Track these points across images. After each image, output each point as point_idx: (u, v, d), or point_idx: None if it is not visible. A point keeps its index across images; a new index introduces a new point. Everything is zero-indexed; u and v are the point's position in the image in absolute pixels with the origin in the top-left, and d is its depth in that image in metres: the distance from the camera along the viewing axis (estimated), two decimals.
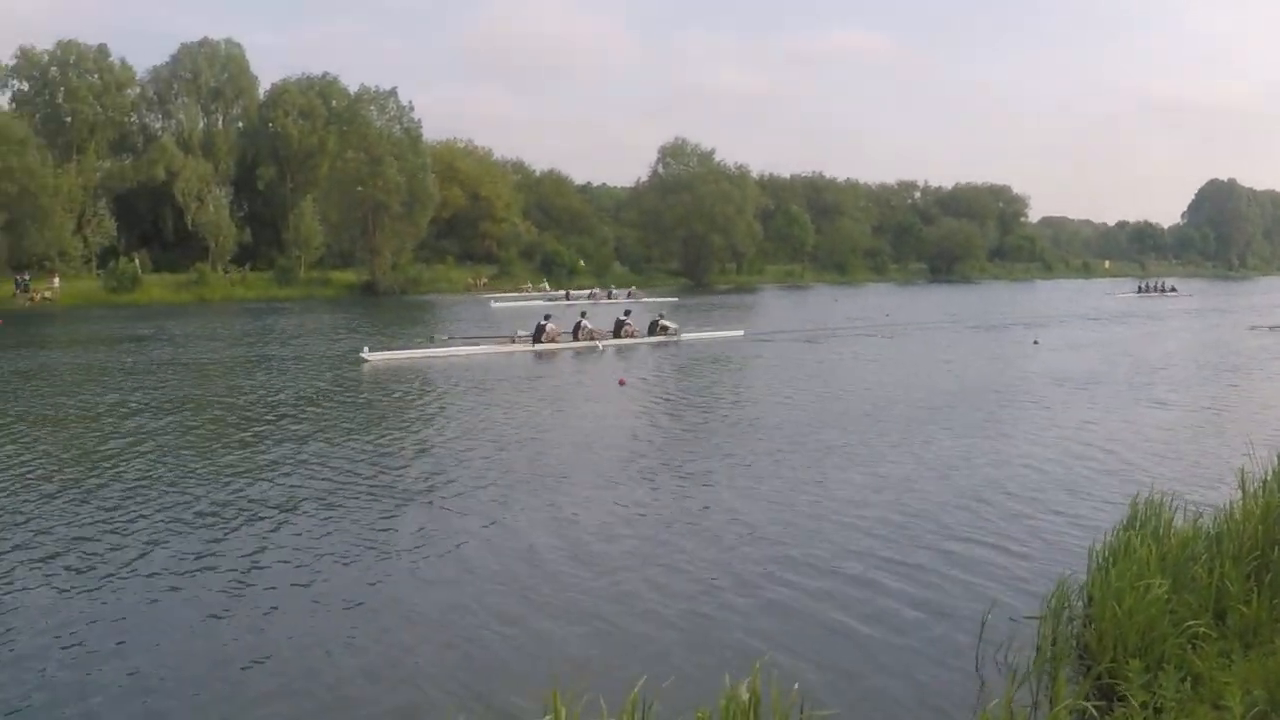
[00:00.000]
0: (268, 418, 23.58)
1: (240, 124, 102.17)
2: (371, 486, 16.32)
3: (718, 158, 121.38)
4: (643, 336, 41.95)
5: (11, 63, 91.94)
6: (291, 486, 16.47)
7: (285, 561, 12.41)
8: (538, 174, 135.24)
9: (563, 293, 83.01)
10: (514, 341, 38.21)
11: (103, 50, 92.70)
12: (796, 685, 7.78)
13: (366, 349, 34.77)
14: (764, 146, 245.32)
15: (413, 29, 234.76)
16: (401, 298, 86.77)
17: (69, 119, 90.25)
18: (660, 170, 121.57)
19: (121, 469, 17.80)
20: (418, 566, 12.19)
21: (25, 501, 15.51)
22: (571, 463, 18.28)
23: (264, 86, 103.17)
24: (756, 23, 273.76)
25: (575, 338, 39.36)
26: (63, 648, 9.64)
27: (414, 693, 8.67)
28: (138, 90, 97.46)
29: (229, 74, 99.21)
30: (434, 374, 31.46)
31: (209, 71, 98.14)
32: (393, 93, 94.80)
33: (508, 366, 33.70)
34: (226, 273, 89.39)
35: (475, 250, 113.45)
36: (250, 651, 9.56)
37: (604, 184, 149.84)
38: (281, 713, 8.39)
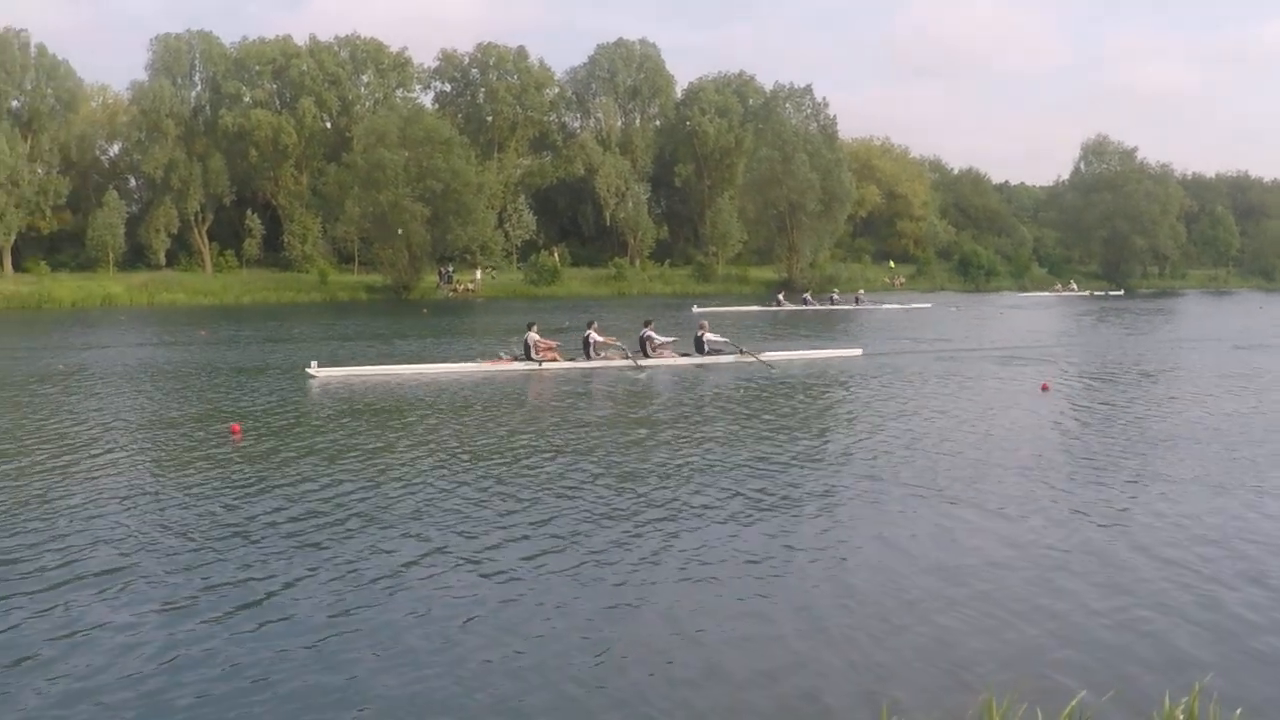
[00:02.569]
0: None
1: (657, 122, 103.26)
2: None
3: (1139, 157, 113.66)
4: (673, 354, 30.02)
5: (434, 65, 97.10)
6: (707, 488, 13.99)
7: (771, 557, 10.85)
8: (955, 172, 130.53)
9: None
10: (501, 360, 28.42)
11: (521, 52, 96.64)
12: (1239, 711, 6.87)
13: (314, 363, 27.19)
14: (1184, 145, 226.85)
15: (830, 27, 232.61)
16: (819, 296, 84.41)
17: (490, 118, 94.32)
18: (1081, 168, 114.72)
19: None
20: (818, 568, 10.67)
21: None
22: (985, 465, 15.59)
23: (680, 85, 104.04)
24: (1192, 20, 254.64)
25: (587, 354, 29.00)
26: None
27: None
28: (556, 90, 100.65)
29: (645, 73, 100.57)
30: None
31: (625, 71, 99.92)
32: (808, 90, 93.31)
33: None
34: (644, 268, 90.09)
35: (892, 249, 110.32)
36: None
37: (1022, 183, 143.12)
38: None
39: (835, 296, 67.12)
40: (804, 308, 63.36)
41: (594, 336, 28.93)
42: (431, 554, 10.96)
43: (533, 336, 28.25)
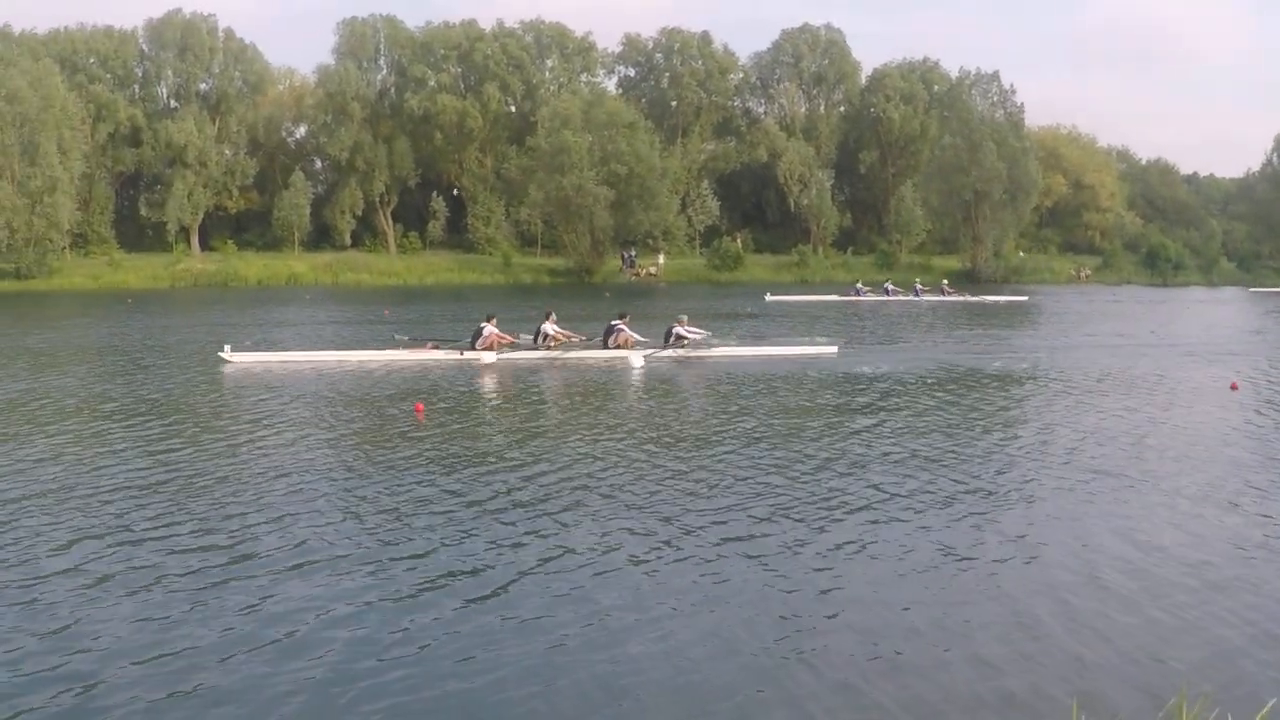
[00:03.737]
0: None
1: (842, 108, 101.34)
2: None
3: None
4: (648, 346, 27.40)
5: (618, 49, 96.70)
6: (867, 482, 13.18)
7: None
8: (1143, 162, 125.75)
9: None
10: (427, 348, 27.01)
11: (706, 37, 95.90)
12: None
13: (228, 347, 25.95)
14: None
15: (1019, 15, 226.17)
16: (1002, 287, 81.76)
17: (674, 103, 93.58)
18: (1275, 161, 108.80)
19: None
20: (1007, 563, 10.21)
21: None
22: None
23: (865, 71, 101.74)
24: None
25: (536, 344, 27.09)
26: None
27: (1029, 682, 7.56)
28: (740, 75, 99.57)
29: (830, 59, 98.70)
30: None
31: (810, 56, 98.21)
32: (995, 77, 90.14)
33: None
34: (827, 256, 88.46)
35: (1078, 240, 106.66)
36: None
37: (1211, 174, 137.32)
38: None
39: (919, 287, 62.94)
40: (886, 298, 59.76)
41: (548, 328, 27.25)
42: (636, 537, 10.74)
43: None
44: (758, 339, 32.01)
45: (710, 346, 27.74)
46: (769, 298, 56.13)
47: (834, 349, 28.36)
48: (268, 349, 27.95)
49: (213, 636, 8.06)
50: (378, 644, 7.97)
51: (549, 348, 27.01)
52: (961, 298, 60.10)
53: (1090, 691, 7.33)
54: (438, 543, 10.45)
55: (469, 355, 26.24)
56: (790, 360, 26.79)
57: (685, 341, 27.51)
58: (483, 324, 26.93)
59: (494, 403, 20.39)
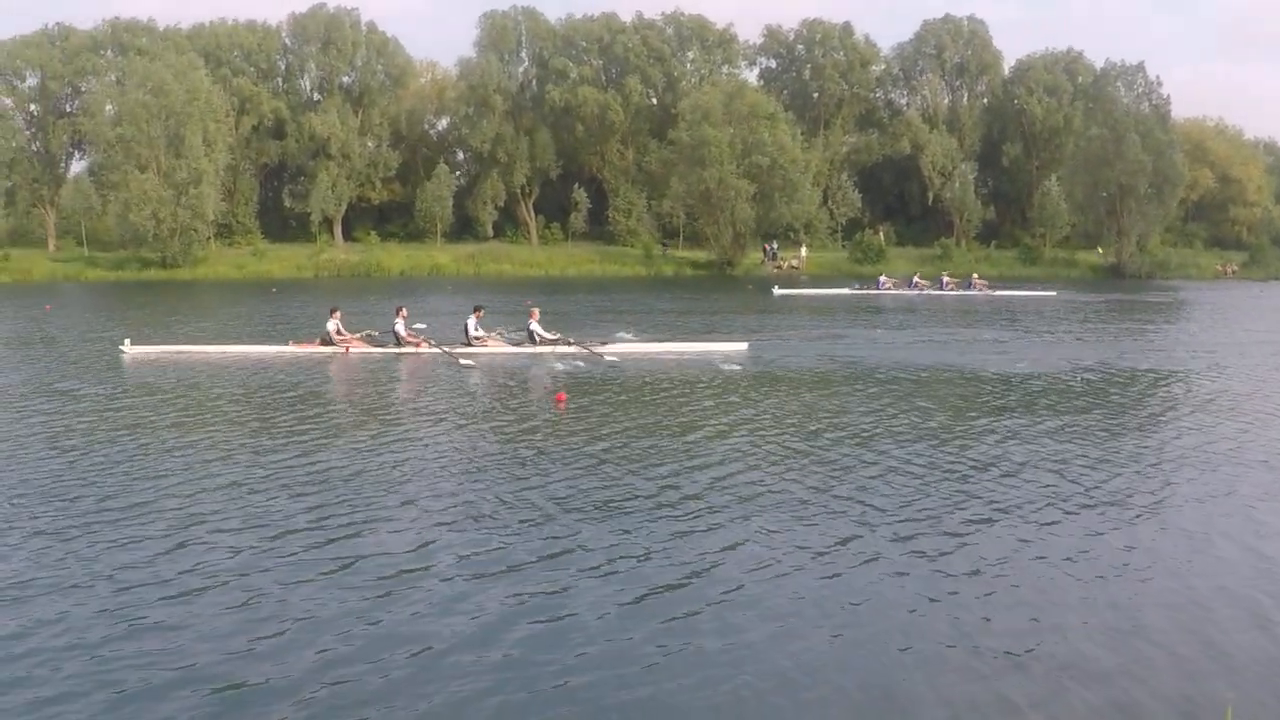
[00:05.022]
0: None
1: (985, 100, 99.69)
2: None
3: None
4: (508, 345, 26.57)
5: (759, 41, 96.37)
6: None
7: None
8: None
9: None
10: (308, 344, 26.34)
11: (847, 28, 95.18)
12: None
13: (128, 340, 25.76)
14: None
15: (1166, 3, 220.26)
16: (1148, 282, 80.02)
17: (816, 95, 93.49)
18: None
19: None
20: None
21: None
22: None
23: (1008, 62, 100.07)
24: None
25: (399, 343, 26.32)
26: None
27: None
28: (882, 67, 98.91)
29: (972, 50, 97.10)
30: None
31: (953, 47, 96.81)
32: (1140, 67, 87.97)
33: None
34: (970, 249, 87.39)
35: (1224, 235, 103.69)
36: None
37: None
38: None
39: (945, 279, 60.64)
40: (905, 292, 57.45)
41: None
42: (757, 536, 10.67)
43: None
44: (664, 336, 30.62)
45: (568, 345, 26.42)
46: (776, 292, 55.20)
47: (744, 346, 27.33)
48: (168, 342, 27.54)
49: None
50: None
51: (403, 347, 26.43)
52: (991, 293, 58.33)
53: (1235, 696, 7.13)
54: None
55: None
56: (703, 356, 25.87)
57: (545, 339, 26.52)
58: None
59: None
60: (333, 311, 26.74)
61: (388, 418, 17.78)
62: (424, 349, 26.14)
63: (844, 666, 7.69)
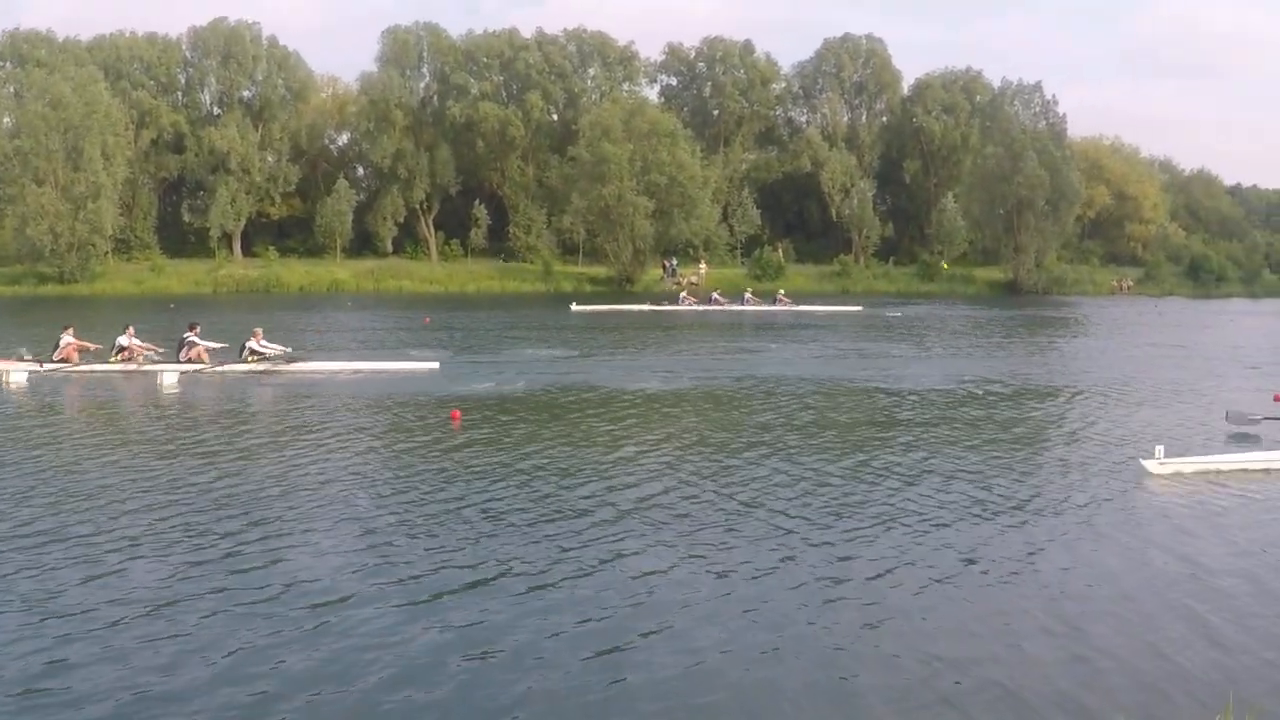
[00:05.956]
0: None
1: (884, 118, 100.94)
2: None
3: None
4: (222, 358, 27.29)
5: (661, 59, 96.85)
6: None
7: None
8: (1186, 173, 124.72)
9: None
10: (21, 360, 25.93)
11: (748, 46, 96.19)
12: None
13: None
14: None
15: (1068, 25, 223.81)
16: (1045, 298, 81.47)
17: (716, 112, 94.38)
18: None
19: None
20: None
21: None
22: None
23: (907, 81, 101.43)
24: None
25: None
26: None
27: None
28: (783, 85, 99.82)
29: (872, 69, 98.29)
30: None
31: (852, 66, 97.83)
32: (1037, 87, 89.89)
33: None
34: (868, 266, 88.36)
35: (1120, 252, 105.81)
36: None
37: (1255, 185, 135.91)
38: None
39: (748, 296, 61.98)
40: (713, 307, 58.76)
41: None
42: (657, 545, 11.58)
43: (65, 340, 26.82)
44: (356, 354, 31.18)
45: (291, 361, 27.18)
46: (574, 308, 55.59)
47: (435, 365, 27.83)
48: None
49: None
50: None
51: (126, 360, 26.72)
52: (795, 308, 59.56)
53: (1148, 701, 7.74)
54: None
55: (49, 367, 25.99)
56: (388, 376, 26.37)
57: (262, 357, 27.03)
58: (61, 334, 27.13)
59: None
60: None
61: (255, 439, 17.94)
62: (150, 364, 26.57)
63: (739, 673, 8.20)
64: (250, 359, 26.95)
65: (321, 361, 28.26)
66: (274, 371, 26.52)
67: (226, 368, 26.79)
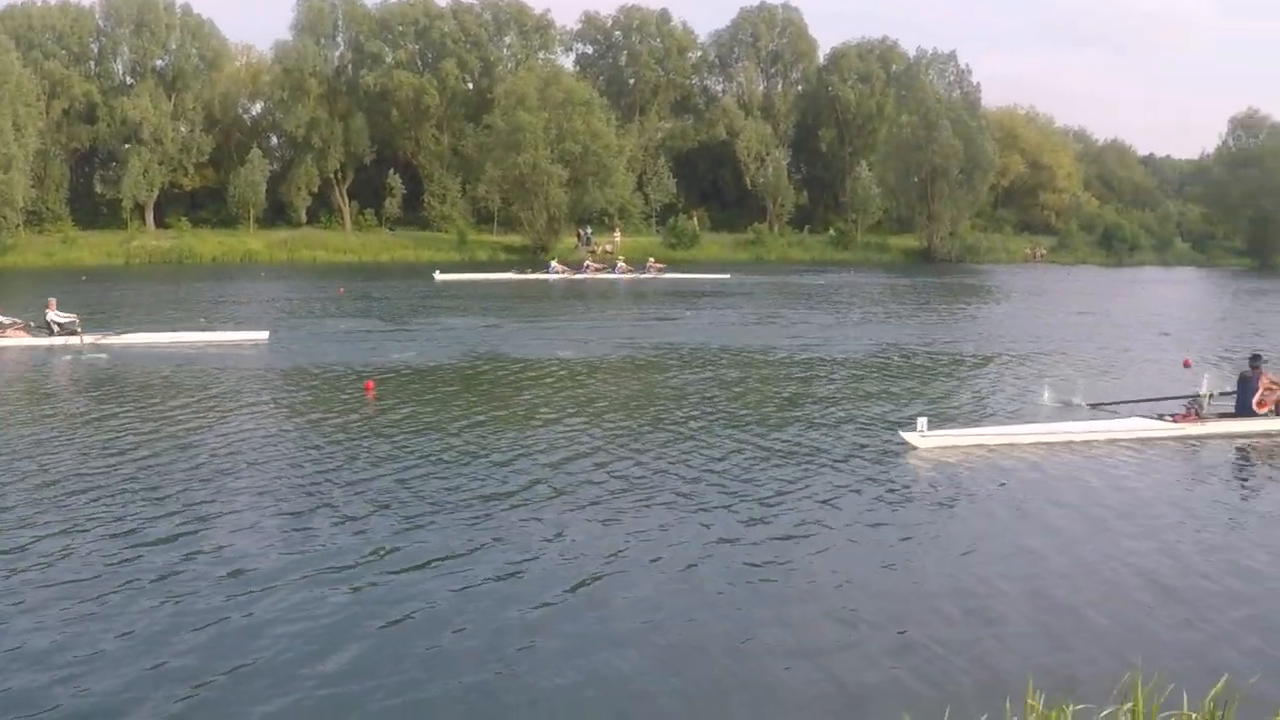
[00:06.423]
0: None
1: (799, 87, 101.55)
2: None
3: None
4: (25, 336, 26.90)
5: (577, 27, 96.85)
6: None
7: None
8: (1100, 143, 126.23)
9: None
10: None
11: (664, 15, 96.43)
12: None
13: None
14: None
15: None
16: (957, 265, 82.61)
17: (632, 81, 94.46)
18: (1230, 143, 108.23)
19: None
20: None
21: None
22: None
23: (823, 50, 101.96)
24: None
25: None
26: None
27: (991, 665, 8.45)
28: (699, 54, 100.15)
29: (788, 38, 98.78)
30: None
31: (768, 35, 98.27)
32: (951, 56, 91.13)
33: None
34: (783, 234, 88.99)
35: (1034, 220, 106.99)
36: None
37: (1168, 155, 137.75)
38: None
39: (619, 264, 62.82)
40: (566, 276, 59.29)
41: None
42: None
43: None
44: (182, 325, 30.63)
45: (73, 333, 26.70)
46: (438, 276, 55.55)
47: (264, 335, 28.02)
48: None
49: None
50: None
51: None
52: (663, 276, 60.31)
53: (1056, 668, 8.17)
54: None
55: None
56: (215, 348, 26.50)
57: (66, 328, 26.82)
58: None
59: None
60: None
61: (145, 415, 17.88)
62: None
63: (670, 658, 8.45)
64: (56, 331, 26.67)
65: (155, 334, 28.05)
66: (96, 345, 26.09)
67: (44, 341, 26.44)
